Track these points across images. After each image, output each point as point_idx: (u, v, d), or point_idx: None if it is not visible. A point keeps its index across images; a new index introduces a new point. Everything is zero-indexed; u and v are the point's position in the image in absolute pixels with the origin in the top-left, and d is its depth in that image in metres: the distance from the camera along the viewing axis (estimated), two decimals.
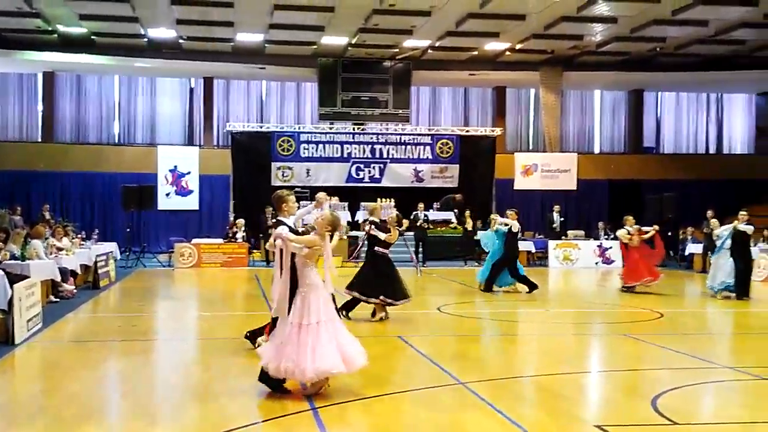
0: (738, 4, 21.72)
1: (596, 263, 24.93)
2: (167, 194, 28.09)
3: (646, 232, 18.05)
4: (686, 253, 24.57)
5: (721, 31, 24.52)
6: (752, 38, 25.68)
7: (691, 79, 30.48)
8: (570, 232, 26.73)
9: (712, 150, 34.00)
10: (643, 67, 29.50)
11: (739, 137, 34.24)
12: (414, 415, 6.88)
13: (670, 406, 7.12)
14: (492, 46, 27.13)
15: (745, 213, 16.54)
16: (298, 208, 8.42)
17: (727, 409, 7.49)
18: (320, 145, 28.31)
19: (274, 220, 7.69)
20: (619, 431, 6.32)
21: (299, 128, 29.00)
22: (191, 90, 31.12)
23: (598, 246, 25.23)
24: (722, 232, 16.85)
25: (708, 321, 14.06)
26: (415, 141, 28.88)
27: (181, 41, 26.66)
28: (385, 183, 28.44)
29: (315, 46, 27.35)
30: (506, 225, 16.66)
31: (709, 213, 22.86)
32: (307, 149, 28.18)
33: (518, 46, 27.11)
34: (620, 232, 18.11)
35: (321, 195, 9.30)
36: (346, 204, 27.10)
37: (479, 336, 11.67)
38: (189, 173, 28.38)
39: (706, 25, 23.70)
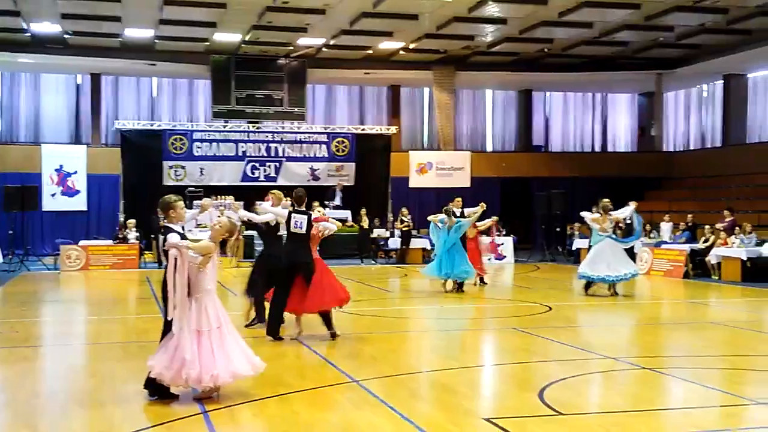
0: (620, 6, 22.59)
1: (489, 259, 25.38)
2: (53, 195, 27.06)
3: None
4: (573, 248, 25.38)
5: (605, 33, 25.46)
6: (634, 40, 26.78)
7: (577, 80, 31.54)
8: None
9: (597, 148, 35.26)
10: (532, 67, 30.32)
11: (622, 136, 35.64)
12: (307, 415, 6.86)
13: (556, 397, 7.35)
14: (386, 45, 27.33)
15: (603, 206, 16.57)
16: (191, 208, 8.28)
17: (609, 398, 7.80)
18: (214, 144, 27.86)
19: (162, 227, 7.50)
20: (507, 423, 6.47)
21: (192, 126, 28.43)
22: (78, 87, 30.08)
23: (490, 242, 25.72)
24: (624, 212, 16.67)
25: (593, 313, 14.53)
26: (311, 139, 28.80)
27: (66, 36, 25.71)
28: (281, 182, 28.18)
29: (207, 43, 26.89)
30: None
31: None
32: (201, 148, 27.68)
33: (411, 46, 27.42)
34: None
35: (206, 201, 9.16)
36: (242, 204, 26.74)
37: (374, 334, 11.74)
38: (76, 173, 27.41)
39: (591, 27, 24.56)
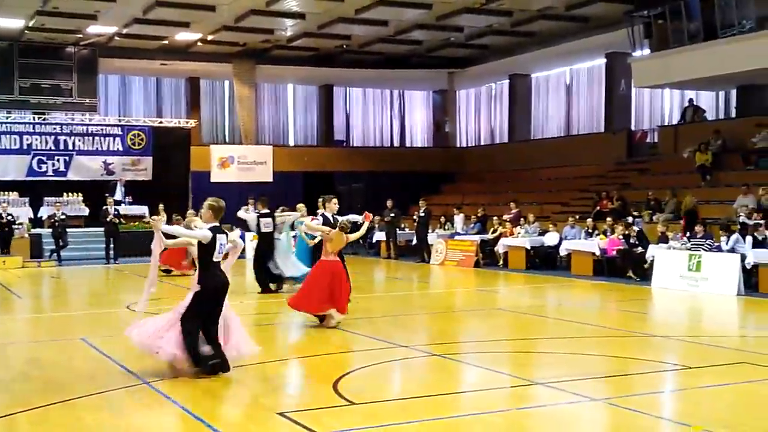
0: (413, 6, 23.34)
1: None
2: None
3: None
4: (374, 240, 25.98)
5: (400, 32, 26.23)
6: (427, 39, 27.78)
7: (376, 76, 32.27)
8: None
9: (396, 143, 36.28)
10: (331, 63, 30.65)
11: (419, 132, 36.89)
12: (95, 421, 6.55)
13: (351, 388, 7.49)
14: (183, 36, 26.62)
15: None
16: None
17: (401, 386, 8.07)
18: None
19: None
20: (301, 416, 6.51)
21: None
22: None
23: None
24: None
25: (390, 304, 14.95)
26: (105, 132, 27.50)
27: None
28: (72, 176, 26.76)
29: None
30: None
31: (389, 202, 24.53)
32: None
33: (210, 38, 26.89)
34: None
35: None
36: (27, 200, 25.18)
37: None
38: None
39: (387, 25, 25.21)
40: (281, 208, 17.38)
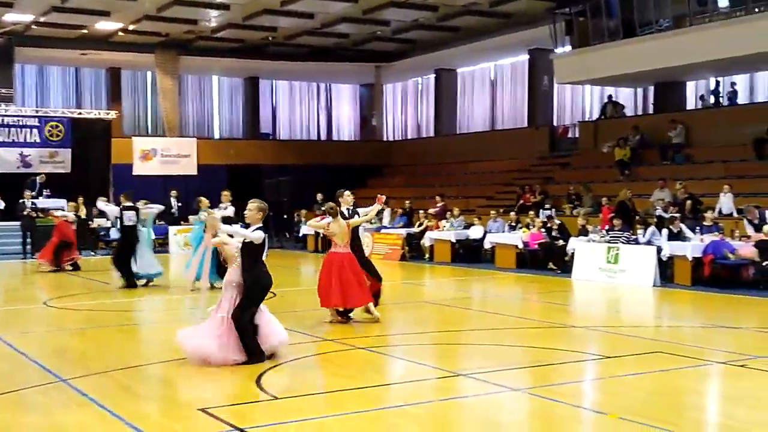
0: None
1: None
2: None
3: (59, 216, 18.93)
4: (301, 234, 25.87)
5: (326, 24, 26.15)
6: (354, 32, 27.76)
7: (302, 69, 32.09)
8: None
9: (323, 136, 36.19)
10: (257, 54, 30.37)
11: (346, 125, 36.87)
12: (11, 420, 6.36)
13: (274, 382, 7.45)
14: (103, 25, 25.99)
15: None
16: None
17: (326, 379, 8.07)
18: None
19: None
20: (223, 412, 6.45)
21: None
22: None
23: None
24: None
25: (315, 298, 14.83)
26: (21, 123, 26.61)
27: None
28: None
29: None
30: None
31: (319, 196, 24.43)
32: None
33: (131, 27, 26.33)
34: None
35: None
36: None
37: (87, 329, 11.15)
38: None
39: (313, 18, 25.10)
40: (143, 201, 16.98)
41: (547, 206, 20.90)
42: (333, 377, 8.16)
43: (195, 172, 29.60)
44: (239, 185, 30.11)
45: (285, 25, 26.41)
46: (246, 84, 33.93)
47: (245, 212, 8.75)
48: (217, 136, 33.72)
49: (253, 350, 8.14)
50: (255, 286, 8.28)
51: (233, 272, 8.48)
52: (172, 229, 25.01)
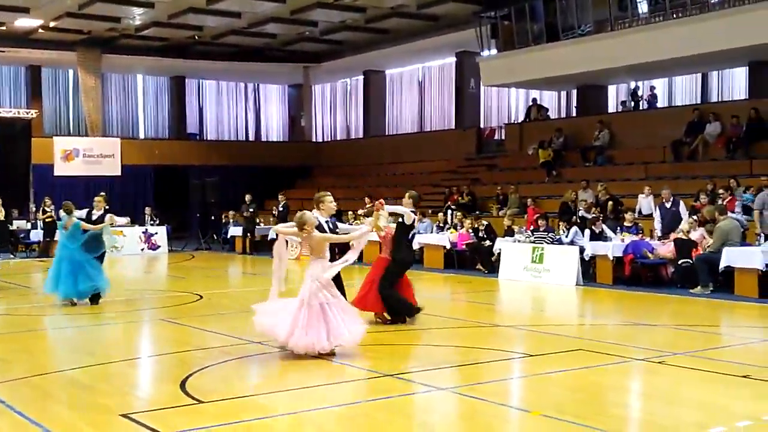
0: None
1: (142, 249, 24.71)
2: None
3: None
4: (228, 236, 25.59)
5: (254, 24, 25.94)
6: (282, 33, 27.61)
7: (230, 69, 31.78)
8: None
9: (251, 137, 35.90)
10: (183, 54, 29.94)
11: (275, 126, 36.65)
12: None
13: (199, 386, 7.35)
14: (22, 22, 25.25)
15: None
16: None
17: (252, 382, 8.00)
18: None
19: None
20: (146, 417, 6.34)
21: None
22: None
23: (143, 232, 25.02)
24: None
25: (245, 300, 14.72)
26: None
27: None
28: None
29: None
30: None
31: (248, 197, 24.21)
32: None
33: (52, 24, 25.65)
34: None
35: None
36: None
37: (4, 334, 10.80)
38: None
39: (240, 17, 24.88)
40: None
41: (452, 206, 21.23)
42: (261, 380, 8.11)
43: (119, 173, 29.03)
44: (165, 186, 29.81)
45: (211, 25, 26.10)
46: (172, 83, 33.41)
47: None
48: (142, 136, 33.13)
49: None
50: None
51: (317, 264, 8.68)
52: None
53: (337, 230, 9.81)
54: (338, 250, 10.63)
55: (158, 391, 7.37)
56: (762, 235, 14.50)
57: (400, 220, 10.16)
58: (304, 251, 9.29)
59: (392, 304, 10.70)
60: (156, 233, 24.87)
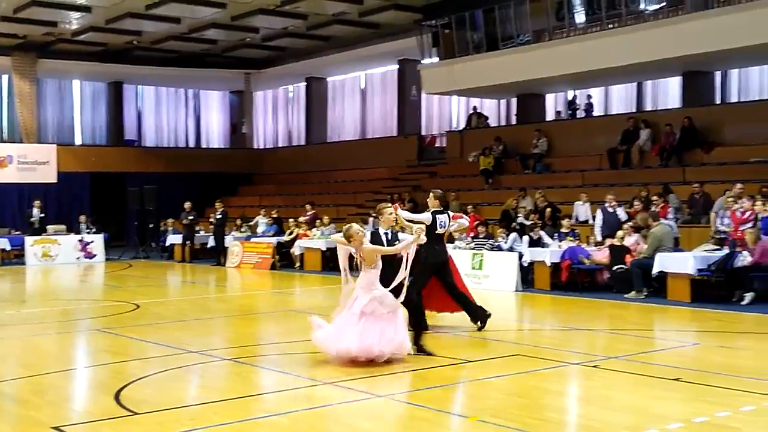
0: (207, 5, 22.94)
1: (78, 258, 24.18)
2: None
3: None
4: (167, 243, 25.24)
5: (194, 30, 25.70)
6: (222, 39, 27.40)
7: (169, 75, 31.39)
8: (50, 227, 25.44)
9: (192, 144, 35.49)
10: (121, 59, 29.49)
11: (216, 132, 36.30)
12: None
13: (134, 397, 7.23)
14: None
15: None
16: None
17: (189, 392, 7.89)
18: None
19: None
20: (77, 429, 6.22)
21: None
22: None
23: (79, 240, 24.48)
24: None
25: (183, 309, 14.57)
26: None
27: None
28: None
29: None
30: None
31: (187, 204, 23.90)
32: None
33: None
34: None
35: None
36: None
37: None
38: None
39: (179, 23, 24.61)
40: None
41: (372, 213, 21.36)
42: (198, 390, 8.01)
43: (55, 180, 28.42)
44: (102, 193, 29.24)
45: (150, 30, 25.76)
46: (110, 89, 32.86)
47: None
48: (78, 142, 32.47)
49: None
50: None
51: (369, 275, 8.68)
52: (29, 240, 23.85)
53: (397, 241, 9.37)
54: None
55: (92, 402, 7.23)
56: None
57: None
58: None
59: (413, 311, 9.61)
60: (92, 241, 24.37)
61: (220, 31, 25.98)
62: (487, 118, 27.17)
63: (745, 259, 13.33)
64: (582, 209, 18.54)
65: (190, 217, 23.67)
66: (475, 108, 27.49)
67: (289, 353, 9.77)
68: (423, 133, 29.13)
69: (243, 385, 8.16)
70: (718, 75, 23.25)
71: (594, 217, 17.48)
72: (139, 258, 24.94)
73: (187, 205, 23.89)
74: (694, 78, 21.89)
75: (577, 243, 16.08)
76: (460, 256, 16.83)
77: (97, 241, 24.45)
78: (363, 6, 23.48)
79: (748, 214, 14.28)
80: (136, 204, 26.37)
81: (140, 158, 31.25)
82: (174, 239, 24.76)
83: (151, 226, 26.17)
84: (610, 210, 16.74)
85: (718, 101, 23.03)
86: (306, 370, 8.74)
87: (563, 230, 16.64)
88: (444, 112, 30.78)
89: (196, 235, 24.21)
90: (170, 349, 9.78)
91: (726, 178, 17.73)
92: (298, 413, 6.87)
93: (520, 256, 16.00)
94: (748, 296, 13.09)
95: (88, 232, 24.94)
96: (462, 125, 28.53)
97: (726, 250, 13.97)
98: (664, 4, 19.68)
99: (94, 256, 24.25)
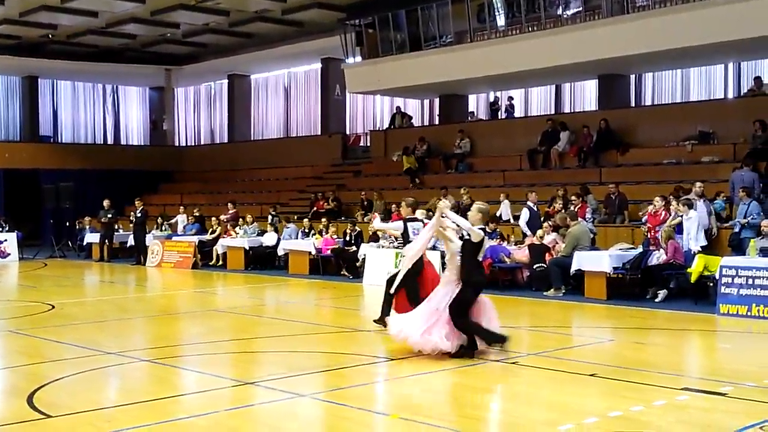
0: None
1: None
2: None
3: None
4: (85, 242, 24.60)
5: (112, 24, 25.11)
6: (142, 34, 26.85)
7: (87, 69, 30.59)
8: None
9: (110, 140, 34.67)
10: (36, 53, 28.62)
11: (135, 129, 35.54)
12: None
13: (47, 400, 7.03)
14: None
15: None
16: None
17: (105, 394, 7.72)
18: None
19: None
20: None
21: None
22: None
23: None
24: None
25: (101, 309, 14.22)
26: None
27: None
28: None
29: None
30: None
31: (106, 202, 23.33)
32: None
33: None
34: None
35: None
36: None
37: None
38: None
39: (97, 17, 24.01)
40: None
41: (273, 212, 21.57)
42: (114, 392, 7.85)
43: None
44: (16, 191, 28.31)
45: (66, 23, 25.06)
46: (24, 83, 31.85)
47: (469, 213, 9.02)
48: None
49: (488, 337, 8.92)
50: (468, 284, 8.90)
51: (453, 270, 8.98)
52: None
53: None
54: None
55: (3, 406, 6.99)
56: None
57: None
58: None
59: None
60: (5, 240, 23.55)
61: (139, 26, 25.47)
62: (411, 117, 27.35)
63: (659, 257, 13.75)
64: (504, 208, 18.82)
65: (109, 215, 23.09)
66: (398, 108, 27.64)
67: (210, 353, 9.65)
68: (347, 131, 29.14)
69: (161, 387, 8.01)
70: (632, 78, 23.92)
71: (515, 217, 17.77)
72: (55, 257, 24.24)
73: (106, 202, 23.31)
74: (610, 81, 22.48)
75: (498, 242, 16.32)
76: (383, 255, 16.94)
77: (10, 240, 23.65)
78: (286, 4, 23.36)
79: (664, 214, 14.71)
80: (52, 201, 25.60)
81: (56, 154, 30.38)
82: (91, 238, 24.14)
83: (67, 224, 25.46)
84: (535, 208, 17.07)
85: (633, 104, 23.69)
86: (227, 370, 8.67)
87: (488, 229, 16.84)
88: (368, 111, 30.85)
89: (115, 233, 23.65)
90: (86, 350, 9.54)
91: (640, 179, 18.30)
92: (219, 414, 6.79)
93: (443, 255, 16.12)
94: (662, 293, 13.52)
95: (1, 231, 24.08)
96: (386, 124, 28.64)
97: (640, 249, 14.40)
98: (581, 9, 20.15)
99: (8, 255, 23.44)
